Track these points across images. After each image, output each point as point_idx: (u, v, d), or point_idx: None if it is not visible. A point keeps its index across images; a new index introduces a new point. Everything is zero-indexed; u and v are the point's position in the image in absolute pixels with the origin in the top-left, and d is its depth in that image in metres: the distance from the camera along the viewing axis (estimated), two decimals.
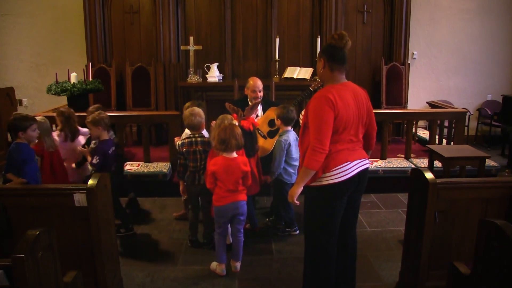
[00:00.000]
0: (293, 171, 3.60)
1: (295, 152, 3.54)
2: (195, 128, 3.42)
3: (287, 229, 3.77)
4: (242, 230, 3.18)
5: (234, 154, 3.05)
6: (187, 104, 3.85)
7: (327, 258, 2.53)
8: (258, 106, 3.65)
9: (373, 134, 2.60)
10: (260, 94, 4.12)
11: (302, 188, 2.42)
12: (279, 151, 3.51)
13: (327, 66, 2.40)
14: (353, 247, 2.67)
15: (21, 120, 3.10)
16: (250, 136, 3.42)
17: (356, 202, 2.58)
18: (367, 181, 2.56)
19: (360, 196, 2.59)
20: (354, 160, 2.41)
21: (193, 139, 3.39)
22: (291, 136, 3.55)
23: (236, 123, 3.36)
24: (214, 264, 3.19)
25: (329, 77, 2.41)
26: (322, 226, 2.49)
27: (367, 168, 2.52)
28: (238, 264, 3.19)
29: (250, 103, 4.14)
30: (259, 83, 4.11)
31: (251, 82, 4.13)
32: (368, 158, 2.54)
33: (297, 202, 2.47)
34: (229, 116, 3.45)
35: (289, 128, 3.58)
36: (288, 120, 3.53)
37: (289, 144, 3.51)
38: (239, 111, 3.56)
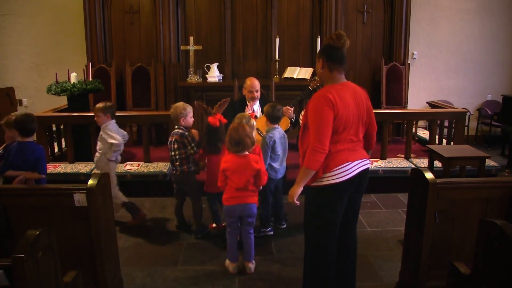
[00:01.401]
0: (278, 167, 3.64)
1: (280, 149, 3.60)
2: (175, 120, 3.61)
3: (262, 230, 3.73)
4: (252, 231, 3.18)
5: (246, 152, 3.05)
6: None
7: (327, 259, 2.53)
8: (226, 104, 3.71)
9: (373, 133, 2.60)
10: (257, 94, 4.12)
11: (302, 188, 2.42)
12: (264, 147, 3.54)
13: (326, 66, 2.41)
14: (353, 247, 2.67)
15: (32, 121, 3.12)
16: (215, 132, 3.55)
17: (356, 202, 2.59)
18: (368, 181, 2.57)
19: (360, 196, 2.59)
20: (354, 160, 2.41)
21: (175, 130, 3.60)
22: (277, 133, 3.60)
23: (255, 122, 3.40)
24: (227, 262, 3.22)
25: (329, 77, 2.42)
26: (322, 226, 2.48)
27: (368, 168, 2.52)
28: (251, 265, 3.19)
29: (248, 103, 4.14)
30: (255, 84, 4.11)
31: (248, 82, 4.14)
32: (368, 158, 2.54)
33: (297, 202, 2.46)
34: (246, 115, 3.48)
35: (276, 125, 3.63)
36: (273, 118, 3.61)
37: (274, 141, 3.56)
38: (208, 109, 3.64)
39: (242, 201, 3.05)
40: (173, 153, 3.59)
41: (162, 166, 4.75)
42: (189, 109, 3.62)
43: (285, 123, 4.09)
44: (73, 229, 2.58)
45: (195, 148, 3.57)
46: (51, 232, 1.99)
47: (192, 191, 3.69)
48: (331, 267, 2.56)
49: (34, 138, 3.25)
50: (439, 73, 6.92)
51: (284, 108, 4.06)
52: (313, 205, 2.48)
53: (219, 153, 3.54)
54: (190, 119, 3.63)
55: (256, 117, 4.07)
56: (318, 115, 2.30)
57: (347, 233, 2.61)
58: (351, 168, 2.39)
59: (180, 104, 3.64)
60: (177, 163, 3.60)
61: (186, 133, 3.57)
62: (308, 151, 2.32)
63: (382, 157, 5.00)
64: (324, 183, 2.38)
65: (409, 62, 6.37)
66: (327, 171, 2.36)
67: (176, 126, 3.63)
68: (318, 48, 5.92)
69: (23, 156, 3.03)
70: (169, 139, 3.63)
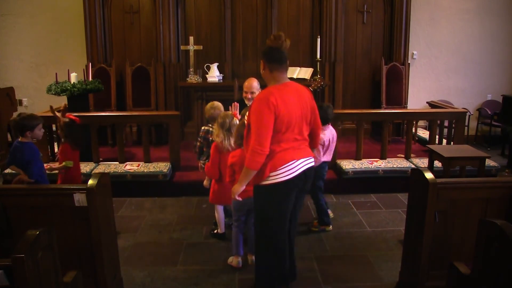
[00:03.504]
0: None
1: None
2: (211, 120, 3.72)
3: None
4: None
5: None
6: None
7: (280, 254, 2.65)
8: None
9: (318, 132, 2.70)
10: (252, 95, 4.09)
11: (244, 187, 2.55)
12: None
13: (266, 67, 2.50)
14: (292, 240, 2.82)
15: (29, 119, 3.12)
16: (77, 128, 3.64)
17: (300, 199, 2.70)
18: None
19: (304, 194, 2.71)
20: (300, 158, 2.50)
21: (210, 129, 3.68)
22: None
23: (237, 121, 3.42)
24: (231, 258, 3.27)
25: (270, 77, 2.51)
26: (273, 222, 2.59)
27: (313, 166, 2.61)
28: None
29: (246, 103, 4.14)
30: (252, 85, 4.08)
31: (246, 83, 4.14)
32: (314, 157, 2.64)
33: (239, 198, 2.64)
34: (229, 113, 3.51)
35: None
36: None
37: None
38: (58, 118, 3.73)
39: (250, 194, 3.07)
40: (206, 149, 3.74)
41: (162, 166, 4.75)
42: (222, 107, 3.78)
43: None
44: (73, 229, 2.58)
45: None
46: (51, 232, 1.99)
47: None
48: (284, 262, 2.69)
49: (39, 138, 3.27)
50: (439, 73, 6.92)
51: None
52: (263, 203, 2.58)
53: (78, 149, 3.66)
54: None
55: None
56: (258, 117, 2.38)
57: (290, 225, 2.74)
58: (296, 166, 2.48)
59: (217, 103, 3.78)
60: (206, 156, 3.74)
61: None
62: (248, 152, 2.41)
63: (382, 157, 4.99)
64: (271, 181, 2.47)
65: (409, 62, 6.38)
66: (274, 170, 2.45)
67: (210, 124, 3.73)
68: (318, 48, 5.94)
69: (14, 155, 3.08)
70: (201, 134, 3.75)
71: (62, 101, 5.56)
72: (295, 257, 2.95)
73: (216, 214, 3.66)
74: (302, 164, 2.51)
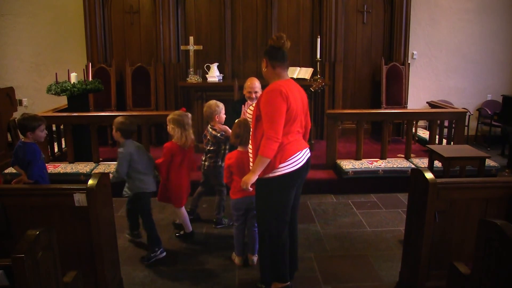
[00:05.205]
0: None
1: None
2: (207, 118, 3.80)
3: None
4: (256, 225, 3.23)
5: (248, 147, 3.09)
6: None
7: (283, 246, 2.70)
8: None
9: (308, 129, 2.82)
10: (255, 95, 4.10)
11: (257, 176, 2.57)
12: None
13: (269, 65, 2.62)
14: (296, 230, 2.90)
15: (30, 120, 3.12)
16: None
17: (300, 188, 2.79)
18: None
19: (303, 182, 2.78)
20: (303, 149, 2.64)
21: (208, 128, 3.82)
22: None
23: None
24: (233, 255, 3.33)
25: (273, 74, 2.63)
26: (278, 215, 2.64)
27: (310, 156, 2.74)
28: (255, 258, 3.27)
29: (247, 103, 4.14)
30: (255, 85, 4.09)
31: (248, 83, 4.14)
32: (309, 147, 2.75)
33: (251, 189, 2.61)
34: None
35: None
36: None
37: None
38: None
39: (248, 193, 3.07)
40: (205, 146, 3.86)
41: None
42: (222, 106, 3.80)
43: None
44: (73, 229, 2.58)
45: (227, 146, 3.79)
46: (51, 232, 1.99)
47: (219, 185, 3.90)
48: (287, 254, 2.74)
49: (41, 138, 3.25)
50: (439, 73, 6.92)
51: None
52: (269, 196, 2.63)
53: None
54: (223, 116, 3.79)
55: None
56: (272, 106, 2.47)
57: (292, 217, 2.78)
58: (302, 156, 2.61)
59: (212, 102, 3.80)
60: (205, 158, 3.84)
61: (219, 134, 3.72)
62: (263, 140, 2.47)
63: (382, 157, 4.99)
64: (281, 172, 2.55)
65: (409, 62, 6.38)
66: (283, 161, 2.53)
67: (210, 125, 3.77)
68: (318, 48, 5.93)
69: (17, 154, 3.09)
70: (205, 133, 3.85)
71: (62, 101, 5.59)
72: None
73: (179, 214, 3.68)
74: (305, 155, 2.64)
